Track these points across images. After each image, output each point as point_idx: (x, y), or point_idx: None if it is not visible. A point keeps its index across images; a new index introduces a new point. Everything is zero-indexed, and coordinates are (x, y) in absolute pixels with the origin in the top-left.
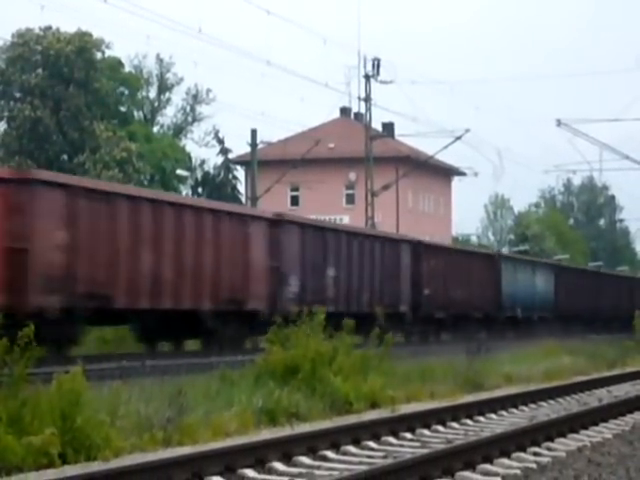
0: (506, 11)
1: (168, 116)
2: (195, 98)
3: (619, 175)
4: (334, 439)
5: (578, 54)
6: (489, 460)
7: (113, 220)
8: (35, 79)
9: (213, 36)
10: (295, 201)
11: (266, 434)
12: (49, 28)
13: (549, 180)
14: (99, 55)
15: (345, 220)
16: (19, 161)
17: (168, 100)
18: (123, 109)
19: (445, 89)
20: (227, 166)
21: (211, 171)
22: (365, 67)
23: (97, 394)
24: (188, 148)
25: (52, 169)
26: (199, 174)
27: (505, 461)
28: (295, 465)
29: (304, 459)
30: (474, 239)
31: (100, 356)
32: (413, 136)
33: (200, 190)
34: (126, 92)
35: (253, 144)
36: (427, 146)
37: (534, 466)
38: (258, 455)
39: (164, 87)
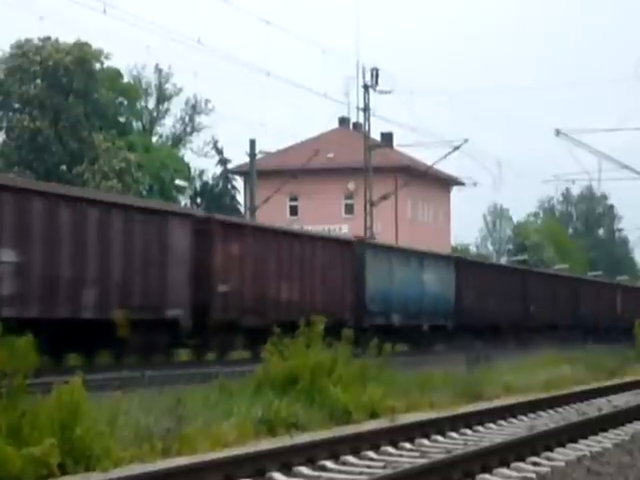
0: (505, 21)
1: (167, 126)
2: (194, 108)
3: (618, 185)
4: (333, 449)
5: (577, 64)
6: (488, 470)
7: None
8: (34, 90)
9: (212, 47)
10: (294, 211)
11: (265, 444)
12: (48, 39)
13: (548, 190)
14: (98, 66)
15: (344, 230)
16: (18, 171)
17: (167, 110)
18: (122, 119)
19: (444, 99)
20: (226, 176)
21: (210, 181)
22: (364, 77)
23: (96, 404)
24: (187, 158)
25: (51, 179)
26: (198, 184)
27: (504, 471)
28: (294, 475)
29: (303, 469)
30: (473, 249)
31: (100, 366)
32: (412, 146)
33: (199, 200)
34: (125, 102)
35: (252, 154)
36: (426, 156)
37: (533, 476)
38: (257, 465)
39: (163, 97)
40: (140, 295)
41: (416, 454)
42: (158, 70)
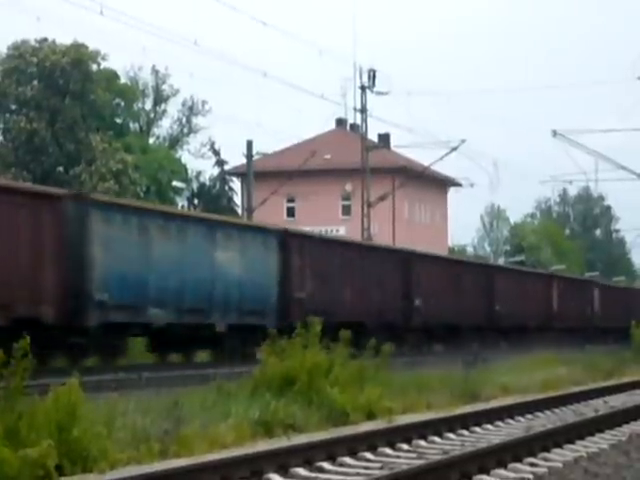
0: (502, 22)
1: (164, 128)
2: (191, 110)
3: (615, 185)
4: (330, 450)
5: (574, 65)
6: (485, 471)
7: None
8: (31, 91)
9: (209, 48)
10: (291, 212)
11: (262, 445)
12: (45, 40)
13: (545, 191)
14: (95, 67)
15: (341, 231)
16: (15, 173)
17: (164, 112)
18: (119, 121)
19: (441, 100)
20: (223, 178)
21: (207, 183)
22: (361, 78)
23: (94, 406)
24: (184, 160)
25: (48, 181)
26: (195, 186)
27: (502, 472)
28: (291, 477)
29: (300, 470)
30: (470, 250)
31: (97, 368)
32: (409, 147)
33: (196, 202)
34: (122, 104)
35: (249, 155)
36: (423, 157)
37: (531, 477)
38: (254, 467)
39: (160, 99)
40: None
41: (413, 455)
42: (155, 71)
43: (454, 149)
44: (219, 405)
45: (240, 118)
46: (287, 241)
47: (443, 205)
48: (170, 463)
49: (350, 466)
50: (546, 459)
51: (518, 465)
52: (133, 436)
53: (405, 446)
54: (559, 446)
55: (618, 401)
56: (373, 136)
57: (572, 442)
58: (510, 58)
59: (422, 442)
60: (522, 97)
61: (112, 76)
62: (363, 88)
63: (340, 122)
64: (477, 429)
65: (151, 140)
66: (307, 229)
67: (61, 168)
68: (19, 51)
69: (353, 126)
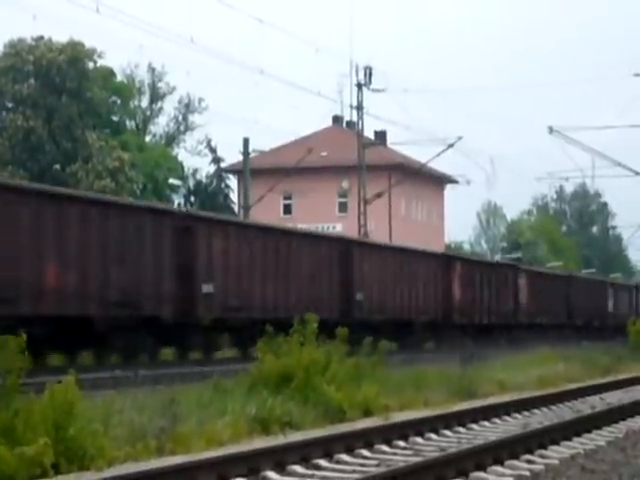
0: (498, 19)
1: (160, 125)
2: (187, 107)
3: (611, 182)
4: (327, 448)
5: (570, 62)
6: (482, 468)
7: None
8: (27, 89)
9: (205, 45)
10: (288, 210)
11: (259, 443)
12: (41, 38)
13: (542, 187)
14: (91, 65)
15: (338, 228)
16: (12, 171)
17: (160, 109)
18: (115, 118)
19: (437, 97)
20: (220, 175)
21: (204, 180)
22: (357, 75)
23: (90, 404)
24: (180, 157)
25: (45, 179)
26: (191, 183)
27: (498, 469)
28: (288, 474)
29: (297, 468)
30: (467, 247)
31: (93, 366)
32: (406, 144)
33: (193, 199)
34: (118, 101)
35: (245, 153)
36: (420, 154)
37: (527, 474)
38: (251, 464)
39: (156, 96)
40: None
41: (410, 452)
42: (151, 69)
43: (450, 146)
44: (216, 402)
45: (236, 115)
46: (192, 226)
47: (440, 202)
48: (167, 460)
49: (347, 463)
50: (543, 456)
51: (515, 462)
52: (130, 434)
53: (402, 443)
54: (556, 443)
55: (615, 398)
56: (369, 133)
57: (569, 439)
58: (506, 55)
59: (419, 439)
60: (518, 94)
61: (108, 74)
62: (359, 85)
63: (336, 119)
64: (474, 426)
65: (147, 138)
66: (304, 226)
67: (58, 166)
68: (16, 49)
69: (349, 123)
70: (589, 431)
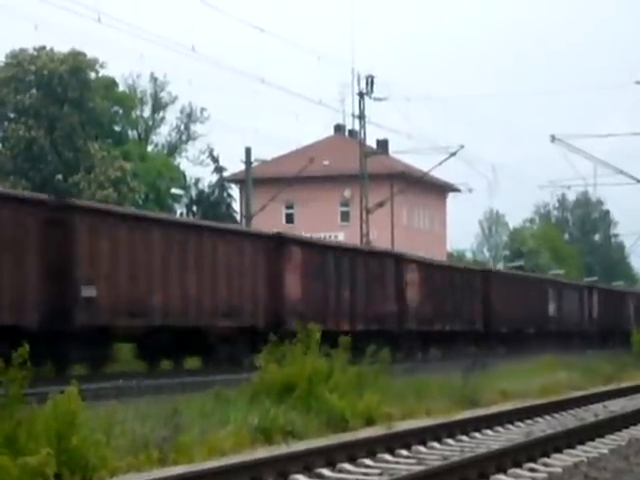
0: (499, 27)
1: (162, 135)
2: (189, 117)
3: (613, 190)
4: (330, 457)
5: (572, 69)
6: (485, 476)
7: None
8: (29, 99)
9: (207, 55)
10: (290, 219)
11: (262, 452)
12: (43, 48)
13: (544, 195)
14: (93, 75)
15: (340, 237)
16: (14, 181)
17: (162, 119)
18: (117, 128)
19: (439, 106)
20: (222, 184)
21: (206, 190)
22: (359, 84)
23: (93, 414)
24: (182, 167)
25: (47, 189)
26: (194, 193)
27: (501, 477)
28: None
29: (300, 477)
30: (469, 255)
31: (96, 375)
32: (407, 153)
33: (195, 209)
34: (120, 111)
35: (248, 162)
36: (422, 163)
37: None
38: (254, 474)
39: (158, 106)
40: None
41: (413, 461)
42: (153, 79)
43: (453, 155)
44: (218, 412)
45: (238, 125)
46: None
47: (442, 211)
48: (169, 470)
49: (349, 472)
50: (546, 464)
51: (518, 470)
52: (132, 444)
53: (404, 452)
54: (559, 451)
55: (618, 406)
56: (371, 142)
57: (572, 447)
58: (508, 63)
59: (421, 448)
60: (520, 102)
61: (110, 84)
62: (361, 94)
63: (338, 128)
64: (477, 435)
65: (150, 147)
66: (306, 235)
67: (60, 176)
68: (17, 59)
69: (351, 132)
70: (592, 439)
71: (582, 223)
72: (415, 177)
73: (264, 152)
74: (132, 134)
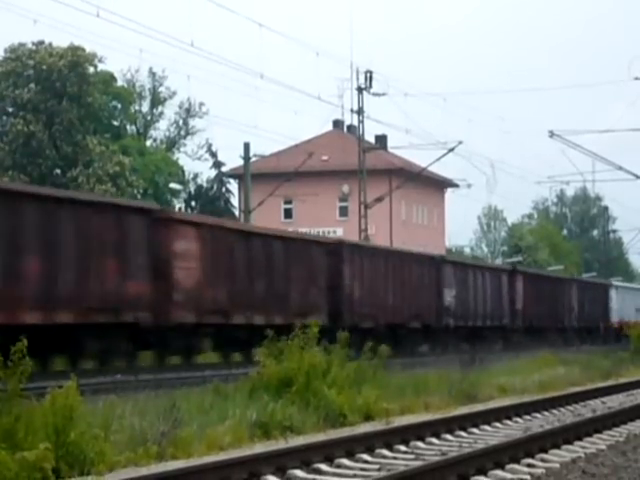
0: (499, 23)
1: (161, 130)
2: (188, 112)
3: (612, 186)
4: (328, 452)
5: (571, 65)
6: (483, 472)
7: None
8: (28, 94)
9: (206, 50)
10: (289, 214)
11: (260, 447)
12: (42, 43)
13: (542, 191)
14: (92, 69)
15: (339, 233)
16: (12, 176)
17: (161, 114)
18: (116, 123)
19: (438, 101)
20: (220, 179)
21: (204, 184)
22: (358, 79)
23: (91, 408)
24: (181, 162)
25: (45, 184)
26: (192, 188)
27: (499, 473)
28: (289, 478)
29: (298, 472)
30: (468, 250)
31: (94, 370)
32: (406, 148)
33: (193, 203)
34: (119, 106)
35: (246, 157)
36: (420, 158)
37: (528, 478)
38: (252, 469)
39: (157, 101)
40: None
41: (411, 456)
42: (152, 73)
43: (451, 150)
44: (216, 407)
45: (237, 120)
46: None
47: (440, 206)
48: (167, 465)
49: (348, 468)
50: (544, 460)
51: (516, 466)
52: (130, 438)
53: (403, 447)
54: (557, 447)
55: (616, 402)
56: (370, 137)
57: (570, 443)
58: (507, 59)
59: (420, 443)
60: (519, 98)
61: (109, 79)
62: (360, 89)
63: (337, 123)
64: (475, 430)
65: (148, 142)
66: (305, 230)
67: (58, 171)
68: (16, 54)
69: (350, 127)
70: (590, 435)
71: (581, 219)
72: (414, 172)
73: (263, 147)
74: (131, 129)
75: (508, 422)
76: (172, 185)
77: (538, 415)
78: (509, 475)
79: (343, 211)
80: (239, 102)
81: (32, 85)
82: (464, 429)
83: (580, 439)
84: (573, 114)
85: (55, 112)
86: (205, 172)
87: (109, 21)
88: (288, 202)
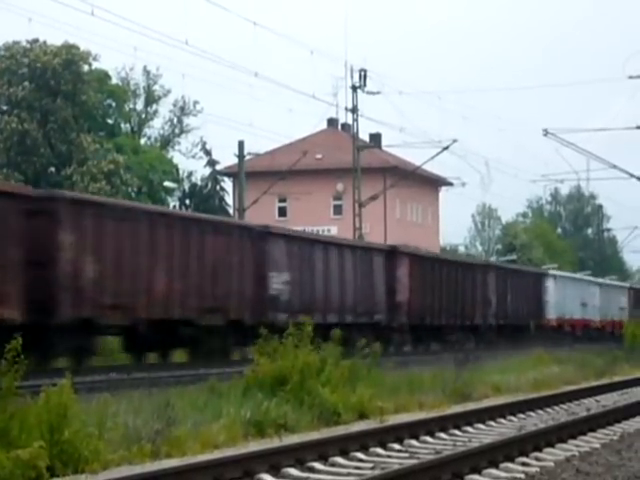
0: (494, 22)
1: (155, 128)
2: (182, 110)
3: (606, 184)
4: (322, 450)
5: (566, 64)
6: (477, 471)
7: None
8: (22, 92)
9: (200, 48)
10: (283, 212)
11: (254, 446)
12: (36, 41)
13: (536, 190)
14: (86, 67)
15: (333, 231)
16: (7, 174)
17: (155, 112)
18: (110, 121)
19: (432, 99)
20: (215, 178)
21: (199, 183)
22: (352, 78)
23: (85, 407)
24: (175, 160)
25: (39, 182)
26: (186, 186)
27: (493, 471)
28: (283, 477)
29: (292, 471)
30: (462, 249)
31: (88, 368)
32: (400, 146)
33: (188, 202)
34: (113, 104)
35: (240, 155)
36: (415, 156)
37: (522, 476)
38: (246, 467)
39: (151, 99)
40: None
41: (405, 455)
42: (146, 72)
43: (445, 148)
44: (211, 405)
45: (231, 118)
46: None
47: (435, 204)
48: (162, 463)
49: (342, 466)
50: (538, 458)
51: (510, 465)
52: (125, 437)
53: (397, 446)
54: (551, 445)
55: (610, 400)
56: (364, 136)
57: (564, 441)
58: (501, 58)
59: (414, 442)
60: (513, 96)
61: (103, 77)
62: (354, 88)
63: (331, 122)
64: (469, 429)
65: (142, 141)
66: (299, 229)
67: (53, 169)
68: (10, 52)
69: (344, 126)
70: (584, 433)
71: (575, 217)
72: (408, 171)
73: (257, 145)
74: (125, 127)
75: (502, 421)
76: (166, 183)
77: (532, 414)
78: (503, 474)
79: (337, 209)
80: (233, 100)
81: (26, 83)
82: (458, 428)
83: (574, 438)
84: (568, 112)
85: (49, 110)
86: (199, 170)
87: (103, 19)
88: (282, 200)
